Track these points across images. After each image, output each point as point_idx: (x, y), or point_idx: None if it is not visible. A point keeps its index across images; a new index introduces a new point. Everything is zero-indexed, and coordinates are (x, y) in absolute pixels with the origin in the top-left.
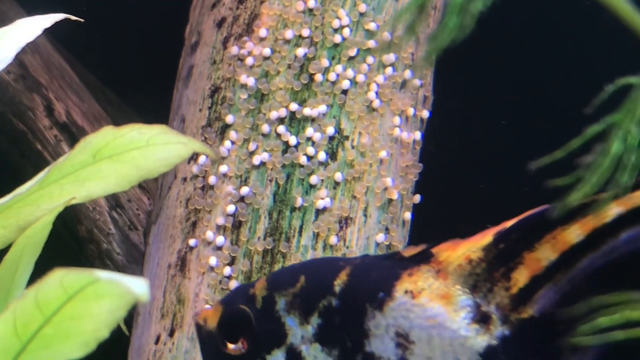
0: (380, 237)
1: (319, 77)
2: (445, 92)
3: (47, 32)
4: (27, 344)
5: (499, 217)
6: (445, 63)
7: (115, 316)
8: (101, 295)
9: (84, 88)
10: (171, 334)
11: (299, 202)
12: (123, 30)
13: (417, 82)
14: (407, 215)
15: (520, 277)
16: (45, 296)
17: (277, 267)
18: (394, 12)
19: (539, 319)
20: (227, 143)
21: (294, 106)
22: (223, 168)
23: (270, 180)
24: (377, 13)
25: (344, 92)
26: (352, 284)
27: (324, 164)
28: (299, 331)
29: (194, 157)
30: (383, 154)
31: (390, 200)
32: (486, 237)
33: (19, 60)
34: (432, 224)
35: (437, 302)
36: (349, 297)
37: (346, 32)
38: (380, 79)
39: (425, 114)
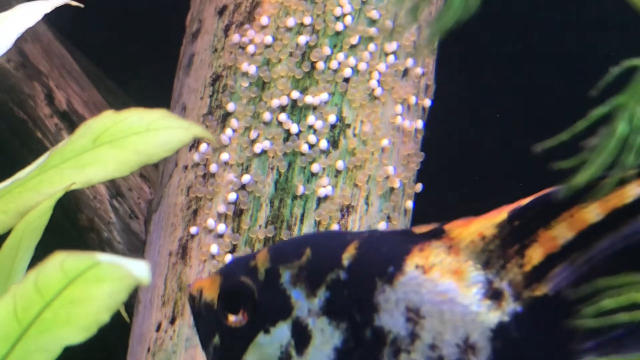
0: (382, 226)
1: (320, 65)
2: (447, 80)
3: (48, 20)
4: (27, 328)
5: (500, 206)
6: (448, 52)
7: (116, 300)
8: (102, 279)
9: (85, 76)
10: (172, 321)
11: (300, 190)
12: (123, 19)
13: (419, 70)
14: (409, 204)
15: (535, 255)
16: (46, 280)
17: None
18: (395, 0)
19: (553, 297)
20: (229, 131)
21: (295, 94)
22: (224, 156)
23: (272, 168)
24: (379, 1)
25: (346, 80)
26: (361, 257)
27: (325, 152)
28: (306, 304)
29: (195, 145)
30: (385, 142)
31: (392, 189)
32: (501, 214)
33: (20, 48)
34: (434, 213)
35: (448, 277)
36: (358, 271)
37: (348, 19)
38: (382, 67)
39: (427, 102)
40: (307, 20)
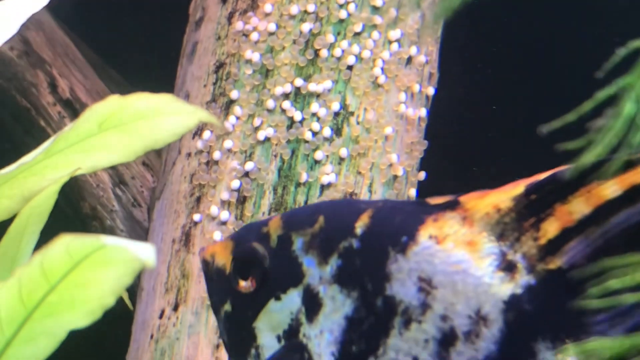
0: None
1: (324, 53)
2: (450, 69)
3: (51, 10)
4: (32, 311)
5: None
6: (451, 40)
7: (122, 283)
8: (107, 262)
9: (88, 65)
10: (175, 308)
11: (303, 177)
12: (126, 8)
13: (422, 58)
14: (412, 191)
15: (550, 228)
16: (51, 263)
17: None
18: None
19: (567, 271)
20: (232, 118)
21: (299, 82)
22: (227, 143)
23: (275, 156)
24: None
25: (350, 67)
26: (374, 226)
27: (329, 140)
28: (317, 272)
29: (198, 132)
30: (388, 130)
31: (395, 177)
32: (517, 188)
33: (23, 36)
34: None
35: (462, 248)
36: (371, 240)
37: (352, 7)
38: (385, 55)
39: (430, 90)
40: (310, 7)
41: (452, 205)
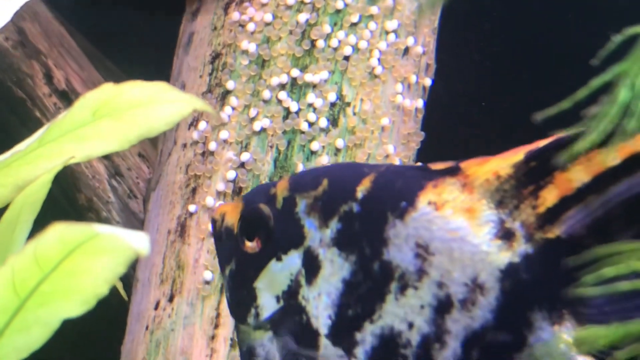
0: None
1: (320, 43)
2: (447, 60)
3: (46, 0)
4: (25, 301)
5: None
6: (448, 31)
7: (115, 272)
8: (101, 251)
9: (84, 56)
10: (170, 299)
11: (299, 168)
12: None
13: (419, 49)
14: None
15: (549, 196)
16: (44, 251)
17: None
18: None
19: (565, 240)
20: (228, 109)
21: (295, 72)
22: (223, 134)
23: (271, 147)
24: None
25: (346, 58)
26: (375, 191)
27: (325, 131)
28: (318, 234)
29: (194, 122)
30: (385, 121)
31: None
32: (517, 155)
33: (18, 27)
34: None
35: (460, 215)
36: (371, 204)
37: None
38: (382, 45)
39: (427, 81)
40: None
41: (453, 171)
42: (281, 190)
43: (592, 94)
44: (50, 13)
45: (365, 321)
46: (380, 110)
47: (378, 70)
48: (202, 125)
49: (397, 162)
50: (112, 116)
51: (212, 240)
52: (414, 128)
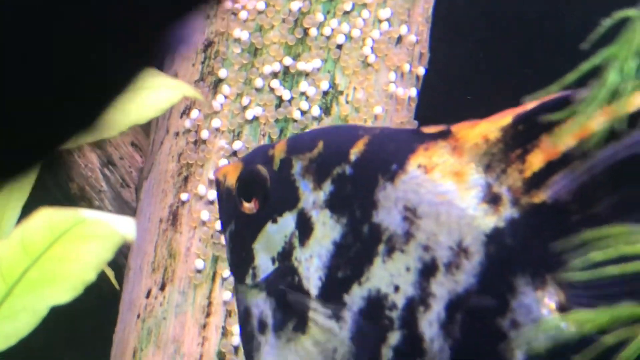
0: None
1: (313, 32)
2: (441, 49)
3: None
4: (12, 287)
5: None
6: (442, 21)
7: (103, 258)
8: (88, 236)
9: None
10: (162, 287)
11: None
12: None
13: (413, 38)
14: None
15: (535, 161)
16: (31, 237)
17: None
18: None
19: (550, 205)
20: (220, 97)
21: (288, 60)
22: (215, 122)
23: (264, 135)
24: None
25: (339, 47)
26: (367, 153)
27: (317, 119)
28: (311, 196)
29: (186, 111)
30: (378, 109)
31: None
32: (506, 118)
33: None
34: None
35: (449, 178)
36: (363, 167)
37: None
38: (375, 34)
39: (420, 70)
40: None
41: (444, 135)
42: (279, 151)
43: (581, 77)
44: None
45: (353, 283)
46: (373, 99)
47: (371, 58)
48: (194, 113)
49: None
50: None
51: (204, 228)
52: (407, 117)
